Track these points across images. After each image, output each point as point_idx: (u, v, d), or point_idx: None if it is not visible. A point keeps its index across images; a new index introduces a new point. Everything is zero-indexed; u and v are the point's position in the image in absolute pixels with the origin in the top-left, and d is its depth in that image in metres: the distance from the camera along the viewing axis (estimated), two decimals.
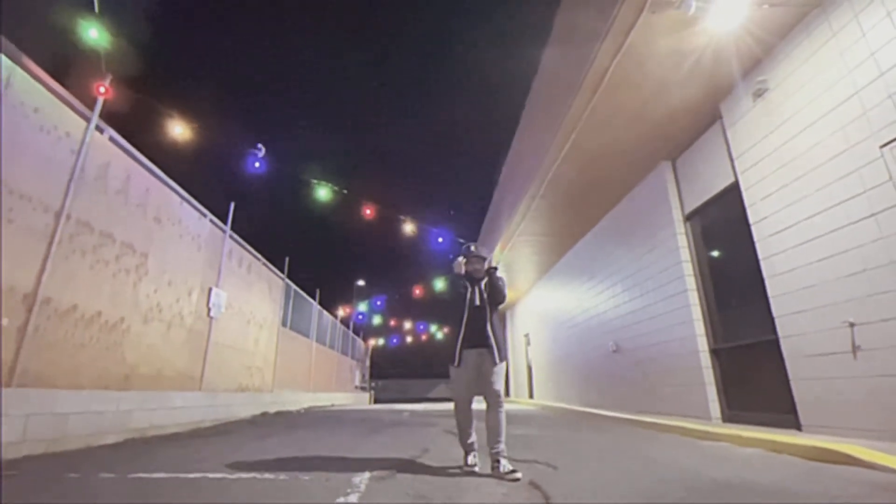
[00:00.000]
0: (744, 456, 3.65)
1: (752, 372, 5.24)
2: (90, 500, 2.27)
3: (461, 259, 3.43)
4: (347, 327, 21.41)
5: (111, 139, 4.98)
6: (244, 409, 8.05)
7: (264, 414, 8.69)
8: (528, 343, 16.20)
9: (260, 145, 7.61)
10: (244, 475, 2.81)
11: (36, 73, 4.00)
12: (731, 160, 5.42)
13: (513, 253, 12.06)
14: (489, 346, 3.17)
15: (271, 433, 5.52)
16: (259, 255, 9.43)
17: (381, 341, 26.64)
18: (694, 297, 6.14)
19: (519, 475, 2.73)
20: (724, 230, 5.85)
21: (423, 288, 13.98)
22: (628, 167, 7.26)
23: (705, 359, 5.85)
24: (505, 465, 2.86)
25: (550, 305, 13.20)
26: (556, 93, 6.65)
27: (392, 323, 23.46)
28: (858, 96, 3.85)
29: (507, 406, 3.29)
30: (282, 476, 2.76)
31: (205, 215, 7.17)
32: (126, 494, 2.37)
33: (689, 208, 6.44)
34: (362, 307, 19.90)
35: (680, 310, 6.31)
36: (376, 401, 25.68)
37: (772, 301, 4.69)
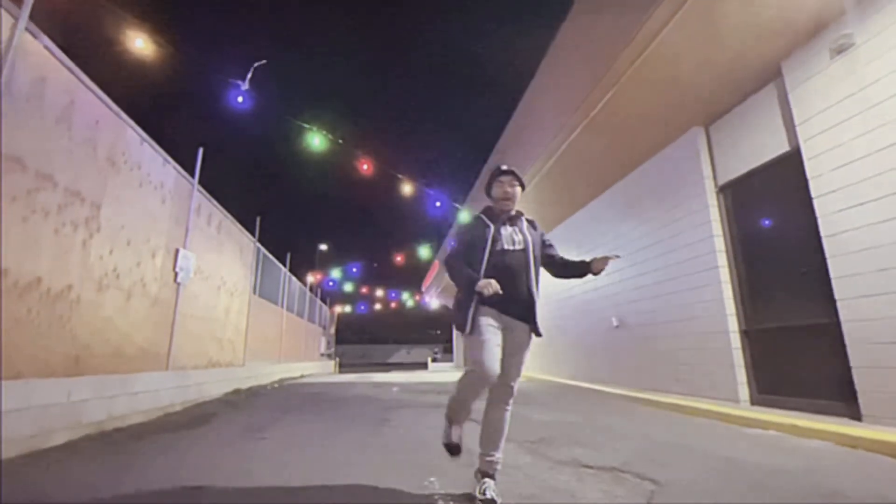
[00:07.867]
0: (810, 450, 3.35)
1: (793, 355, 4.96)
2: None
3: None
4: (313, 293, 20.34)
5: (47, 48, 3.72)
6: (216, 386, 7.10)
7: (236, 391, 7.77)
8: None
9: (242, 82, 6.32)
10: None
11: None
12: (790, 126, 4.91)
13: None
14: (533, 319, 2.30)
15: (258, 423, 4.70)
16: (227, 213, 8.21)
17: (347, 308, 25.71)
18: (725, 275, 5.77)
19: None
20: (767, 204, 5.43)
21: (399, 255, 13.08)
22: (653, 132, 6.68)
23: (735, 340, 5.54)
24: (490, 488, 2.12)
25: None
26: (588, 52, 5.84)
27: (364, 290, 22.54)
28: None
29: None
30: None
31: (168, 161, 5.94)
32: None
33: (724, 179, 5.97)
34: (336, 273, 18.84)
35: (706, 287, 5.94)
36: (341, 367, 24.99)
37: (834, 283, 4.31)
